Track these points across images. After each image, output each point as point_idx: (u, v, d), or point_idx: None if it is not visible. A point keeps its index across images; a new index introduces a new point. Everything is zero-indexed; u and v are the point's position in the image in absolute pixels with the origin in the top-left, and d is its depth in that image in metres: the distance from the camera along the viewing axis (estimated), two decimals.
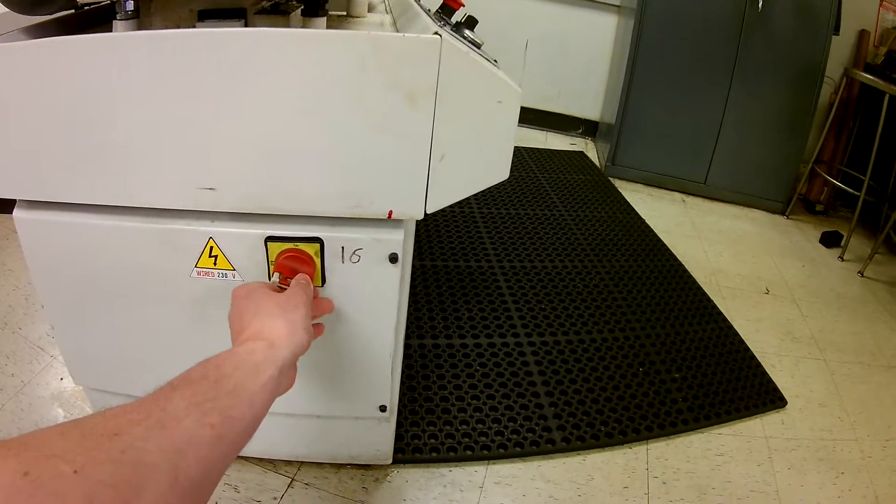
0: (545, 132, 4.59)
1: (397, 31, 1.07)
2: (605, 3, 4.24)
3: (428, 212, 1.01)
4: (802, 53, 3.51)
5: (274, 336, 0.82)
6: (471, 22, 1.11)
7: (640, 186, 3.84)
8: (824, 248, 3.44)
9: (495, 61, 1.05)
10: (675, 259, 2.91)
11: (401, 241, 1.07)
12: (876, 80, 3.21)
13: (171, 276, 1.11)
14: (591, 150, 4.34)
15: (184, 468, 0.55)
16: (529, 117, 4.62)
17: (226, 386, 0.67)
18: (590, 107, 4.52)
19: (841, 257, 3.32)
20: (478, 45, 1.04)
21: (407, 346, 2.01)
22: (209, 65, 0.89)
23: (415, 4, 1.17)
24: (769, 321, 2.59)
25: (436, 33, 0.88)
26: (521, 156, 3.93)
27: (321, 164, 0.97)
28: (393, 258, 1.08)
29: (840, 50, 3.77)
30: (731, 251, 3.20)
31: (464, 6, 1.24)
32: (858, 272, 3.18)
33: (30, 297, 2.25)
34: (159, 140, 0.95)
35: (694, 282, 2.73)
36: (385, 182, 0.98)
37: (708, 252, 3.14)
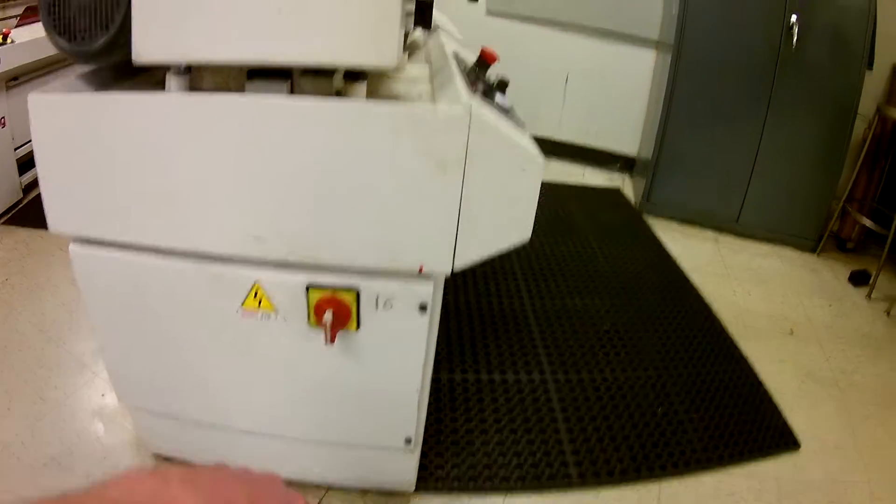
0: (584, 167, 4.61)
1: (433, 88, 1.17)
2: (643, 39, 4.28)
3: (455, 269, 1.09)
4: (836, 89, 3.53)
5: None
6: (502, 85, 1.19)
7: (673, 224, 3.86)
8: (853, 286, 3.44)
9: (523, 124, 1.13)
10: (702, 299, 2.95)
11: (430, 292, 1.15)
12: None
13: (216, 312, 1.21)
14: (627, 186, 4.37)
15: None
16: (568, 152, 4.65)
17: None
18: (628, 142, 4.52)
19: (869, 296, 3.32)
20: (507, 110, 1.12)
21: (436, 381, 2.09)
22: (257, 129, 1.00)
23: (451, 60, 1.25)
24: (791, 362, 2.62)
25: (468, 101, 0.97)
26: (559, 192, 3.98)
27: (359, 221, 1.06)
28: (423, 307, 1.16)
29: (874, 84, 3.76)
30: (759, 290, 3.22)
31: (498, 61, 1.32)
32: (885, 311, 3.18)
33: (74, 312, 2.36)
34: (211, 192, 1.06)
35: (719, 322, 2.77)
36: (416, 240, 1.07)
37: (736, 291, 3.16)
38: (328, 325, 1.13)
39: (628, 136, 4.46)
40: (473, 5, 4.33)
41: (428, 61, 1.42)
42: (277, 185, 1.04)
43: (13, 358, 2.14)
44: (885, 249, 3.30)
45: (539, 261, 3.06)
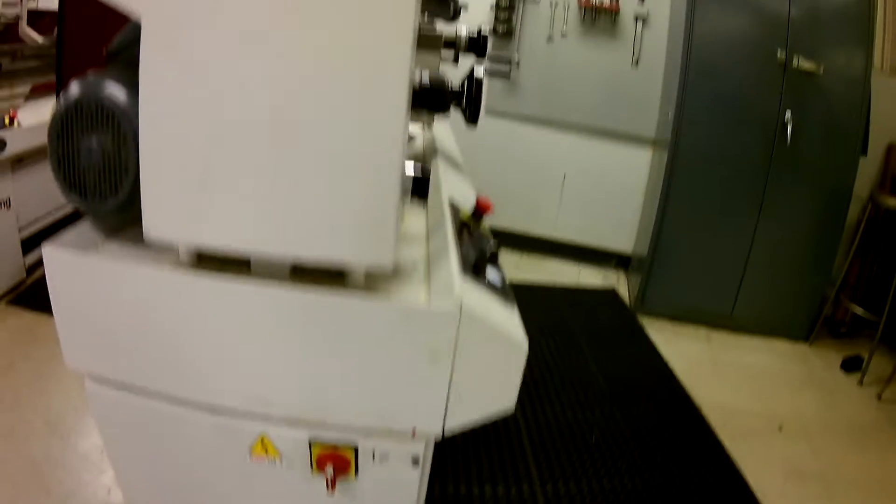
0: (579, 266, 4.69)
1: (427, 256, 1.27)
2: (640, 137, 4.41)
3: (445, 434, 1.18)
4: (830, 178, 3.65)
5: None
6: (493, 258, 1.29)
7: (666, 324, 3.90)
8: (844, 373, 3.50)
9: (513, 299, 1.23)
10: (692, 403, 3.01)
11: (422, 449, 1.24)
12: None
13: (225, 455, 1.30)
14: (622, 283, 4.43)
15: None
16: (565, 251, 4.73)
17: None
18: (624, 240, 4.60)
19: (860, 382, 3.38)
20: (497, 287, 1.22)
21: (428, 495, 2.15)
22: (259, 312, 1.10)
23: (447, 217, 1.35)
24: (778, 459, 2.67)
25: (459, 292, 1.07)
26: (554, 296, 4.05)
27: (356, 392, 1.16)
28: (415, 461, 1.26)
29: (868, 167, 3.87)
30: (749, 388, 3.28)
31: (492, 212, 1.43)
32: (877, 395, 3.24)
33: (79, 408, 2.41)
34: (217, 356, 1.16)
35: (707, 426, 2.83)
36: (409, 409, 1.17)
37: (725, 392, 3.21)
38: (329, 478, 1.23)
39: (624, 234, 4.56)
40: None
41: (426, 218, 1.52)
42: (280, 358, 1.14)
43: (20, 448, 2.18)
44: (878, 335, 3.37)
45: (532, 371, 3.12)
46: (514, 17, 4.37)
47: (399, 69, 0.95)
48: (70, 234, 1.21)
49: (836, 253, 3.78)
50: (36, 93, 3.56)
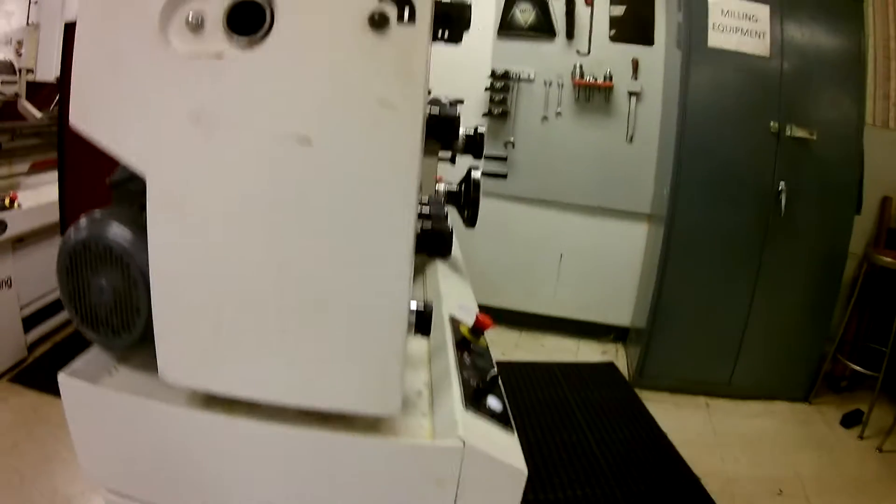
0: (577, 341, 4.69)
1: (430, 382, 1.31)
2: (635, 213, 4.45)
3: None
4: (826, 239, 3.71)
5: None
6: (494, 383, 1.32)
7: (665, 395, 3.90)
8: (844, 429, 3.51)
9: (512, 427, 1.26)
10: (692, 474, 3.01)
11: None
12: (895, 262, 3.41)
13: None
14: (621, 356, 4.44)
15: None
16: (563, 326, 4.74)
17: None
18: (621, 313, 4.61)
19: (861, 436, 3.39)
20: (499, 413, 1.25)
21: None
22: (270, 451, 1.13)
23: (450, 352, 1.39)
24: None
25: (463, 429, 1.10)
26: (553, 374, 4.03)
27: None
28: None
29: (863, 221, 3.93)
30: (748, 454, 3.28)
31: (492, 327, 1.47)
32: (877, 448, 3.25)
33: (86, 492, 2.40)
34: (231, 484, 1.18)
35: (707, 496, 2.83)
36: None
37: (725, 460, 3.21)
38: None
39: (621, 307, 4.57)
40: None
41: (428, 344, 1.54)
42: (290, 490, 1.16)
43: None
44: (877, 389, 3.40)
45: (532, 451, 3.11)
46: (508, 99, 4.45)
47: (401, 239, 0.99)
48: (83, 360, 1.23)
49: (834, 311, 3.81)
50: (36, 168, 3.62)
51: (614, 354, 4.50)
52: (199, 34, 0.97)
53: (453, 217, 1.61)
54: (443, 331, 1.45)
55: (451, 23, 1.04)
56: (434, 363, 1.39)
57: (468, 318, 1.58)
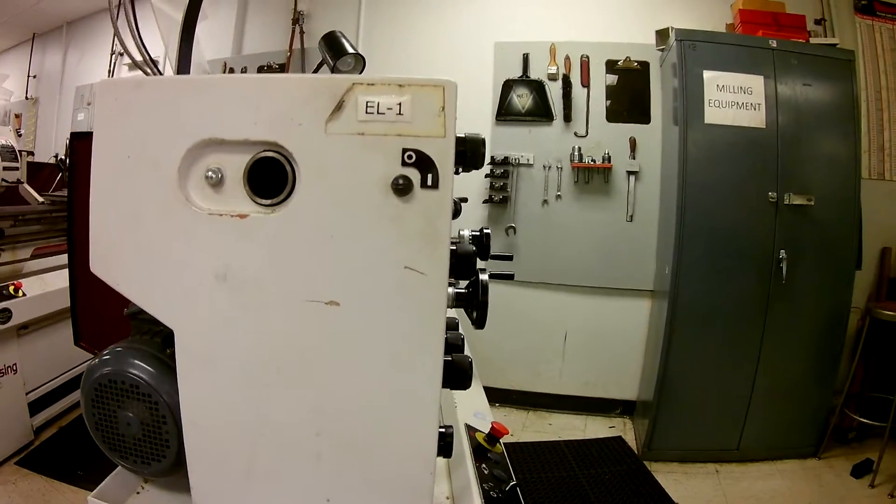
0: (584, 418, 4.65)
1: (452, 496, 1.31)
2: (638, 290, 4.47)
3: None
4: (828, 298, 3.73)
5: None
6: (512, 495, 1.33)
7: (674, 466, 3.86)
8: (855, 479, 3.51)
9: None
10: None
11: None
12: None
13: None
14: (628, 430, 4.41)
15: None
16: (570, 404, 4.71)
17: None
18: (627, 387, 4.59)
19: (871, 484, 3.38)
20: None
21: None
22: None
23: (469, 465, 1.40)
24: None
25: None
26: (561, 452, 4.00)
27: None
28: None
29: (864, 274, 3.96)
30: None
31: (509, 433, 1.48)
32: (889, 494, 3.25)
33: None
34: None
35: None
36: None
37: None
38: None
39: (627, 381, 4.55)
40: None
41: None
42: None
43: None
44: (885, 438, 3.41)
45: None
46: (508, 184, 4.49)
47: (431, 388, 1.02)
48: (111, 480, 1.24)
49: (839, 365, 3.82)
50: (38, 253, 3.64)
51: (622, 428, 4.46)
52: (219, 191, 0.99)
53: (462, 318, 1.63)
54: (460, 440, 1.47)
55: (468, 159, 1.05)
56: (454, 474, 1.40)
57: (483, 424, 1.59)
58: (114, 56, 5.87)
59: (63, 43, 6.64)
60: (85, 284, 2.26)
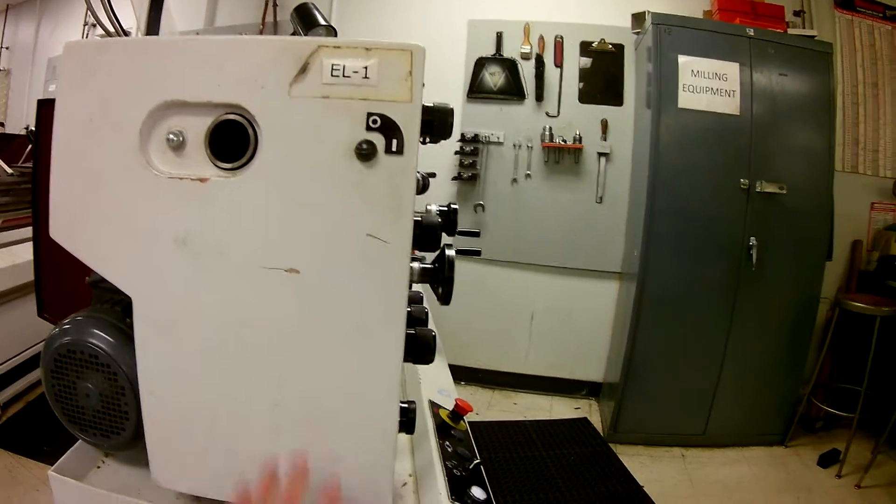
0: (550, 398, 4.68)
1: (415, 474, 1.31)
2: (606, 272, 4.49)
3: None
4: (798, 288, 3.77)
5: None
6: (478, 473, 1.32)
7: (640, 449, 3.90)
8: (822, 469, 3.55)
9: None
10: None
11: None
12: (865, 306, 3.49)
13: None
14: (594, 412, 4.44)
15: None
16: (536, 384, 4.74)
17: None
18: (594, 369, 4.62)
19: (838, 474, 3.43)
20: (481, 501, 1.26)
21: None
22: None
23: (432, 441, 1.39)
24: None
25: None
26: (527, 431, 4.03)
27: None
28: None
29: (835, 265, 4.02)
30: (727, 502, 3.30)
31: (473, 411, 1.47)
32: (856, 485, 3.30)
33: None
34: None
35: None
36: None
37: None
38: None
39: (594, 362, 4.58)
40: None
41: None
42: None
43: None
44: (852, 429, 3.46)
45: None
46: (478, 162, 4.49)
47: (391, 359, 1.00)
48: (71, 454, 1.21)
49: (808, 355, 3.87)
50: (8, 224, 3.57)
51: (588, 410, 4.49)
52: (180, 154, 0.97)
53: (427, 294, 1.61)
54: (423, 417, 1.46)
55: (435, 129, 1.04)
56: (417, 451, 1.39)
57: (447, 401, 1.59)
58: (86, 27, 5.78)
59: (37, 14, 6.51)
60: (49, 254, 2.24)
